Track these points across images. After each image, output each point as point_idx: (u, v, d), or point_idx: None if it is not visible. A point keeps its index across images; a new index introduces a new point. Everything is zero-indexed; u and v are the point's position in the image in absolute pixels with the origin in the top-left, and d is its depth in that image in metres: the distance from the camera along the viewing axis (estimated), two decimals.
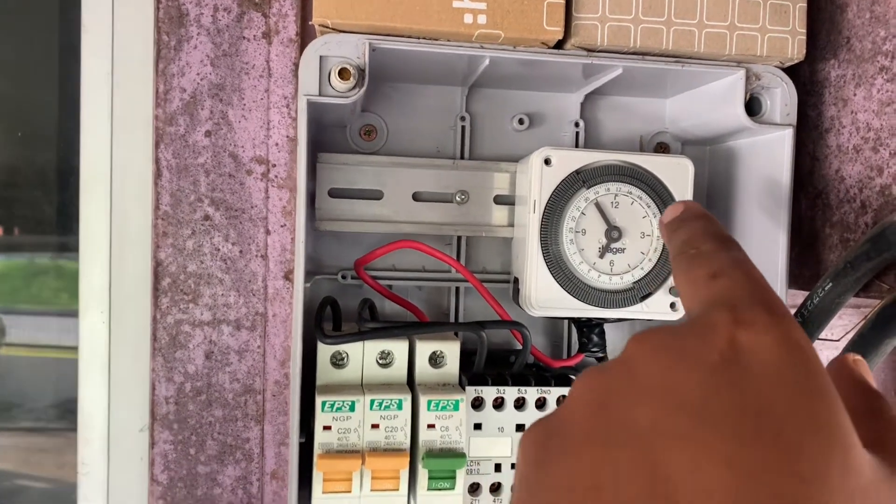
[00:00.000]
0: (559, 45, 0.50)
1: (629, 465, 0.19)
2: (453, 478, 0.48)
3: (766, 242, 0.55)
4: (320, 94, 0.47)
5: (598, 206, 0.51)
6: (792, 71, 0.53)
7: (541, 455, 0.22)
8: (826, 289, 0.51)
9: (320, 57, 0.47)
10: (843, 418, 0.19)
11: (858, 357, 0.26)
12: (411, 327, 0.52)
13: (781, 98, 0.52)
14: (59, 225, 0.63)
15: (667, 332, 0.22)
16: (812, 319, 0.53)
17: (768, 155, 0.54)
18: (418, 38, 0.48)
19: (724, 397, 0.19)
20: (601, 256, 0.51)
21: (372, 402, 0.47)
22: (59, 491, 0.65)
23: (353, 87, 0.47)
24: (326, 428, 0.47)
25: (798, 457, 0.18)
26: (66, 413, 0.64)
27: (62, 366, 0.63)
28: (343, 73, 0.46)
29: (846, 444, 0.19)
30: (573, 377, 0.53)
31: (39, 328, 0.65)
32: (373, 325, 0.51)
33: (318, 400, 0.47)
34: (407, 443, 0.48)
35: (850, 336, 0.52)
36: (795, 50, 0.50)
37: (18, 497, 0.67)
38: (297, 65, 0.55)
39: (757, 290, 0.22)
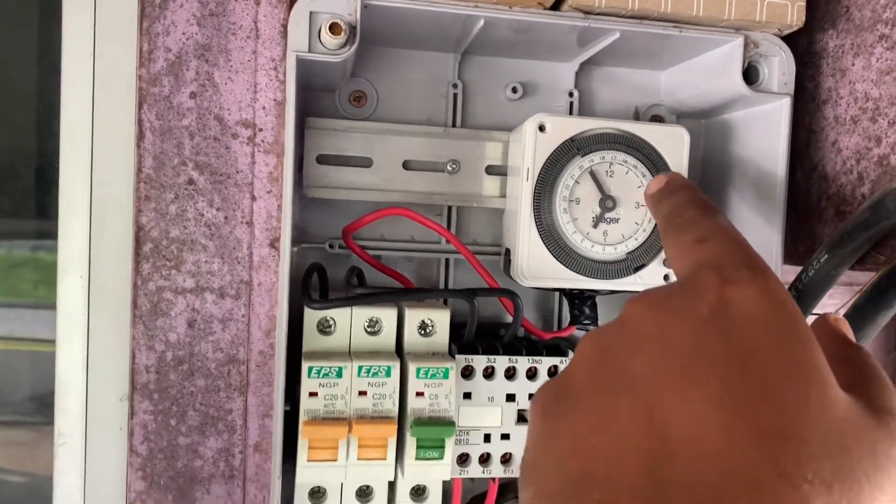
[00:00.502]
0: (556, 6, 0.49)
1: (628, 408, 0.21)
2: (442, 447, 0.46)
3: (760, 217, 0.54)
4: (310, 52, 0.46)
5: (592, 174, 0.50)
6: (790, 42, 0.52)
7: (548, 407, 0.24)
8: (821, 261, 0.50)
9: (310, 13, 0.46)
10: (819, 360, 0.21)
11: (840, 317, 0.28)
12: (400, 293, 0.51)
13: (780, 66, 0.51)
14: (39, 204, 0.61)
15: (659, 291, 0.24)
16: (807, 292, 0.52)
17: (764, 127, 0.54)
18: None
19: (713, 344, 0.21)
20: (595, 226, 0.50)
21: (360, 368, 0.46)
22: (37, 485, 0.63)
23: (344, 45, 0.46)
24: (312, 394, 0.46)
25: (780, 394, 0.20)
26: (42, 407, 0.62)
27: (40, 359, 0.62)
28: (334, 28, 0.45)
29: (823, 383, 0.21)
30: (565, 347, 0.52)
31: (16, 321, 0.63)
32: (361, 290, 0.50)
33: (305, 365, 0.46)
34: (395, 410, 0.47)
35: (843, 311, 0.52)
36: (795, 17, 0.49)
37: (2, 492, 0.65)
38: (285, 26, 0.53)
39: (740, 252, 0.24)
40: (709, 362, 0.21)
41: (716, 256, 0.24)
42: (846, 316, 0.51)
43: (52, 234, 0.57)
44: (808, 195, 0.55)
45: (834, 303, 0.67)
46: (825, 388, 0.20)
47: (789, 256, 0.56)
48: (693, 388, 0.20)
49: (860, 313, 0.49)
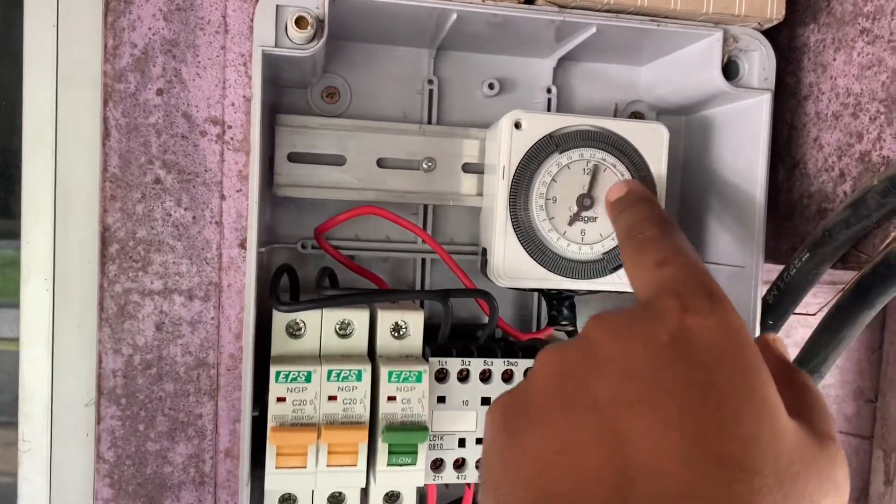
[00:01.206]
0: (530, 0, 0.47)
1: (593, 431, 0.22)
2: (415, 452, 0.45)
3: (741, 215, 0.53)
4: (276, 46, 0.44)
5: (595, 169, 0.49)
6: (770, 37, 0.51)
7: (511, 424, 0.25)
8: (803, 259, 0.50)
9: (277, 6, 0.44)
10: (772, 390, 0.22)
11: (777, 336, 0.29)
12: (372, 294, 0.50)
13: (759, 61, 0.50)
14: (5, 204, 0.59)
15: (623, 314, 0.25)
16: (788, 291, 0.51)
17: (745, 123, 0.53)
18: None
19: (674, 371, 0.22)
20: (570, 224, 0.49)
21: (329, 372, 0.45)
22: (14, 485, 0.61)
23: (312, 39, 0.44)
24: (280, 399, 0.44)
25: (737, 422, 0.21)
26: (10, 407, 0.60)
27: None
28: (300, 22, 0.43)
29: (775, 412, 0.22)
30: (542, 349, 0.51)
31: (2, 321, 0.61)
32: (332, 292, 0.49)
33: (273, 370, 0.44)
34: (366, 416, 0.45)
35: (826, 310, 0.51)
36: (775, 10, 0.48)
37: None
38: None
39: (700, 279, 0.25)
40: (670, 389, 0.21)
41: (676, 282, 0.25)
42: (829, 315, 0.50)
43: (16, 235, 0.55)
44: (790, 192, 0.55)
45: (818, 302, 0.66)
46: (777, 417, 0.21)
47: (771, 255, 0.55)
48: (655, 414, 0.21)
49: (843, 312, 0.49)
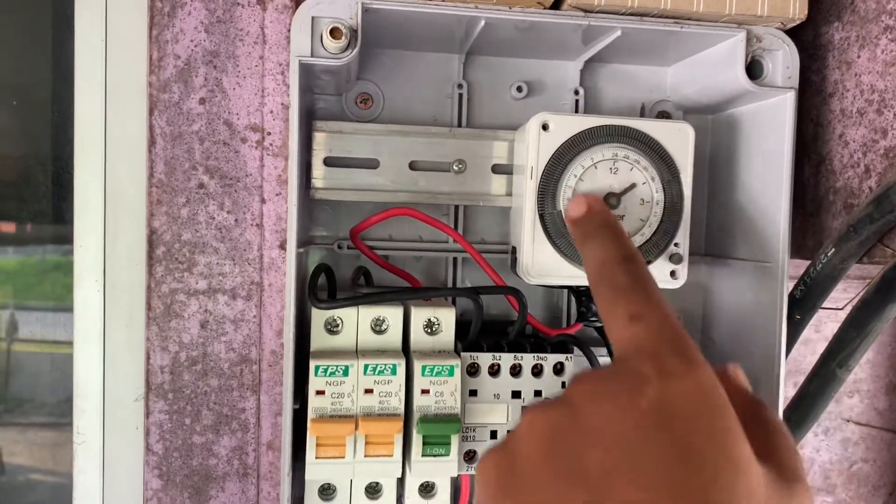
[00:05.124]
0: (556, 5, 0.49)
1: (583, 500, 0.23)
2: (448, 443, 0.47)
3: (768, 211, 0.54)
4: (312, 56, 0.46)
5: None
6: (795, 36, 0.52)
7: (504, 481, 0.26)
8: (829, 255, 0.50)
9: (312, 18, 0.46)
10: (745, 447, 0.23)
11: (737, 366, 0.30)
12: (406, 292, 0.52)
13: (783, 60, 0.51)
14: (57, 210, 0.63)
15: (602, 378, 0.26)
16: (815, 286, 0.52)
17: (770, 121, 0.53)
18: None
19: (656, 438, 0.23)
20: None
21: (366, 366, 0.47)
22: (70, 486, 0.64)
23: (346, 48, 0.46)
24: (320, 392, 0.46)
25: (715, 486, 0.22)
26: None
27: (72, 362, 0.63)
28: (334, 33, 0.45)
29: (748, 469, 0.23)
30: (570, 344, 0.52)
31: (50, 324, 0.65)
32: (367, 290, 0.51)
33: (312, 364, 0.46)
34: (401, 408, 0.47)
35: (853, 304, 0.51)
36: (797, 10, 0.49)
37: (30, 492, 0.66)
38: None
39: (674, 338, 0.26)
40: (652, 458, 0.23)
41: (651, 342, 0.26)
42: (855, 309, 0.51)
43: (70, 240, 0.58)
44: (816, 189, 0.55)
45: (847, 296, 0.66)
46: (750, 474, 0.23)
47: (798, 250, 0.56)
48: (640, 484, 0.23)
49: (868, 306, 0.49)
